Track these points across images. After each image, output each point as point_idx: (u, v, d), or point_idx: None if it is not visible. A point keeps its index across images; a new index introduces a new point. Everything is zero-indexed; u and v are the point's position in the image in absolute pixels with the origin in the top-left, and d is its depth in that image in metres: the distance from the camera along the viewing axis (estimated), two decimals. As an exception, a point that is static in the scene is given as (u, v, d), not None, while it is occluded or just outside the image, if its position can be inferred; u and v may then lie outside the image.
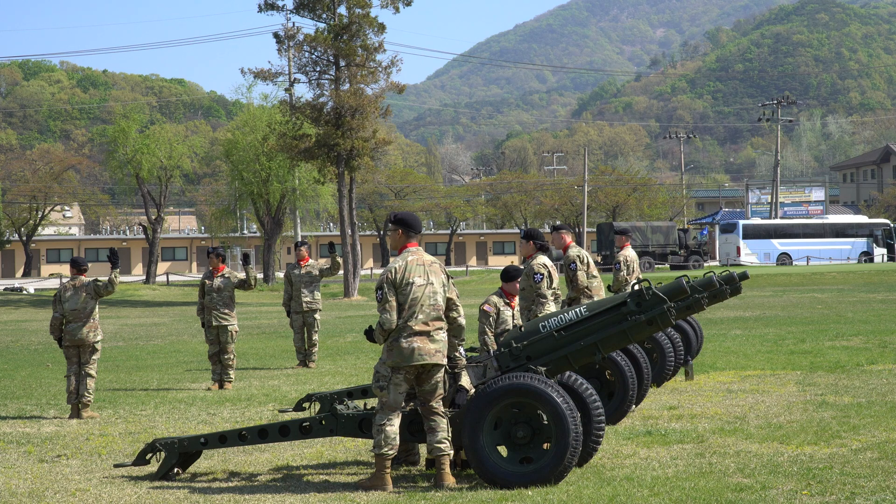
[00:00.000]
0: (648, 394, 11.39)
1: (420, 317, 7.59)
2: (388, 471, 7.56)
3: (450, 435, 7.59)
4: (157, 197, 57.26)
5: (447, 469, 7.56)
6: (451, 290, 7.86)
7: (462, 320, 7.95)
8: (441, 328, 7.68)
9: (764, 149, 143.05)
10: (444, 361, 7.68)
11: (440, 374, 7.65)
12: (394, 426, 7.58)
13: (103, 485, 7.99)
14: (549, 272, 10.86)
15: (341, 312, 33.12)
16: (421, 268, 7.71)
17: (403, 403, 7.75)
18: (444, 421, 7.59)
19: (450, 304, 7.85)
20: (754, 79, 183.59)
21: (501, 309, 10.55)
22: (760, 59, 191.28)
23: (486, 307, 10.51)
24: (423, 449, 8.51)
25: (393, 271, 7.66)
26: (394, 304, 7.58)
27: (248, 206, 56.62)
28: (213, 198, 72.72)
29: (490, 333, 10.38)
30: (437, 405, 7.61)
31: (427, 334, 7.59)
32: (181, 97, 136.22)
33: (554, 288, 10.93)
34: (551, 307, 10.75)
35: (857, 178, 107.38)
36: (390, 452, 7.54)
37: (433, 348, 7.59)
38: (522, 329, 8.07)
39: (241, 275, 14.30)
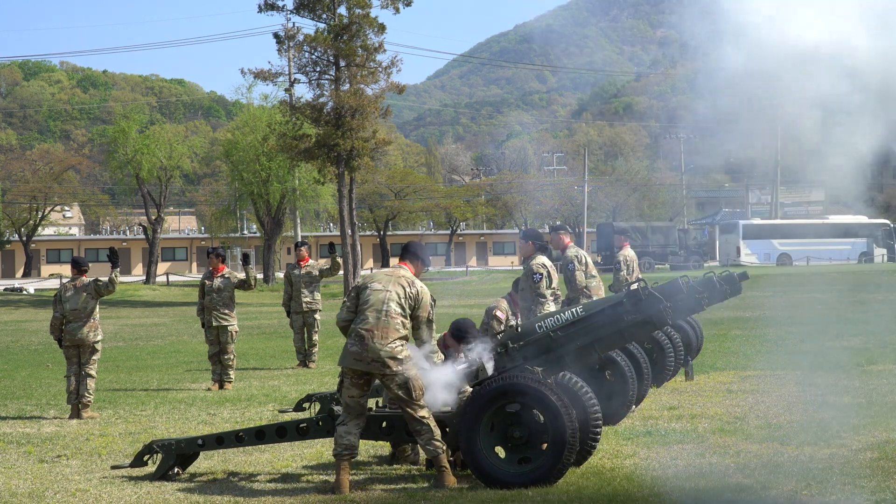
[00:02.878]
0: (648, 394, 11.39)
1: (369, 320, 7.59)
2: (344, 472, 7.52)
3: (438, 434, 7.55)
4: (157, 197, 57.24)
5: (447, 468, 7.54)
6: (422, 311, 7.74)
7: (420, 340, 7.87)
8: (388, 336, 7.54)
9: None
10: (389, 371, 7.51)
11: (398, 381, 7.53)
12: (346, 426, 7.58)
13: (103, 485, 7.99)
14: (548, 272, 10.89)
15: (341, 312, 33.10)
16: (387, 277, 7.80)
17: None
18: (427, 423, 7.54)
19: (414, 325, 7.79)
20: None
21: (510, 317, 10.69)
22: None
23: (498, 313, 10.58)
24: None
25: (362, 277, 7.96)
26: (350, 304, 7.75)
27: (248, 206, 56.63)
28: (213, 198, 72.65)
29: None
30: (412, 410, 7.55)
31: (367, 340, 7.54)
32: (181, 97, 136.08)
33: (553, 288, 10.95)
34: (551, 307, 10.76)
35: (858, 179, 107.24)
36: (344, 454, 7.53)
37: (371, 356, 7.52)
38: (518, 329, 8.07)
39: (241, 275, 14.29)
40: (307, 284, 16.62)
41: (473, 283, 53.56)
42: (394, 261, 8.48)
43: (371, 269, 71.68)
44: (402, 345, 7.59)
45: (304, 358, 16.66)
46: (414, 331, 7.83)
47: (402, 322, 7.62)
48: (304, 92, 46.69)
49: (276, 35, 43.80)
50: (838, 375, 13.24)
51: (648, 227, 60.73)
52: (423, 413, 7.55)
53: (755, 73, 8.87)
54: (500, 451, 7.58)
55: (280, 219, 53.58)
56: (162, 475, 8.13)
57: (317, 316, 16.73)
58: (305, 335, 16.70)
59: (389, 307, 7.60)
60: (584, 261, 11.88)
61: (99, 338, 12.02)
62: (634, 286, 7.80)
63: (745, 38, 8.47)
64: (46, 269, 76.83)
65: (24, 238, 73.41)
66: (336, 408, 8.14)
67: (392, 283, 7.72)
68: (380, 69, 41.85)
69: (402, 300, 7.66)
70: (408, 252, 8.10)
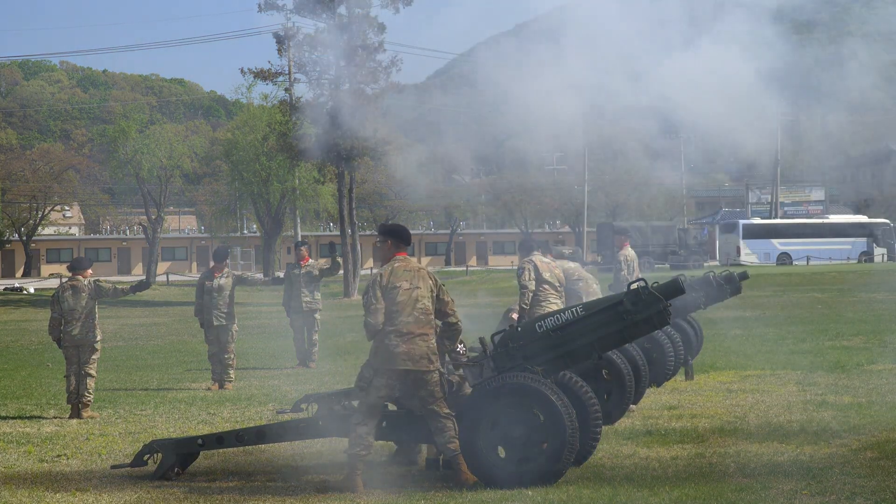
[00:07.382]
0: (648, 394, 11.39)
1: (407, 320, 7.57)
2: (360, 472, 7.54)
3: (457, 433, 7.56)
4: (157, 197, 57.29)
5: (464, 468, 7.53)
6: (445, 294, 7.81)
7: (453, 320, 7.86)
8: (428, 333, 7.62)
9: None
10: (433, 367, 7.59)
11: (435, 378, 7.61)
12: (367, 426, 7.57)
13: (103, 485, 7.99)
14: (534, 265, 11.01)
15: (341, 312, 33.10)
16: (408, 273, 7.70)
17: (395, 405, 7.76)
18: (450, 422, 7.55)
19: (445, 309, 7.82)
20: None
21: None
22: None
23: (514, 315, 10.80)
24: (423, 448, 8.50)
25: (380, 276, 7.68)
26: (380, 306, 7.55)
27: (249, 206, 56.69)
28: (213, 198, 72.66)
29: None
30: (438, 408, 7.57)
31: (412, 339, 7.56)
32: (181, 97, 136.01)
33: (548, 282, 11.07)
34: (553, 302, 10.84)
35: (857, 178, 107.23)
36: (363, 453, 7.54)
37: (418, 353, 7.55)
38: (518, 329, 8.07)
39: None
40: (307, 284, 16.62)
41: (473, 282, 53.56)
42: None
43: (371, 269, 71.71)
44: (434, 342, 7.64)
45: (304, 358, 16.65)
46: (445, 318, 7.81)
47: (432, 318, 7.68)
48: (304, 92, 46.61)
49: (276, 35, 43.85)
50: (838, 375, 13.25)
51: (648, 226, 60.71)
52: (448, 410, 7.58)
53: None
54: (501, 451, 7.58)
55: (280, 218, 53.60)
56: (162, 475, 8.13)
57: (317, 316, 16.73)
58: (305, 335, 16.70)
59: (425, 304, 7.63)
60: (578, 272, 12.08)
61: (98, 338, 12.02)
62: (634, 286, 7.80)
63: None
64: (46, 269, 76.78)
65: (24, 238, 73.40)
66: (337, 408, 8.13)
67: (419, 280, 7.69)
68: (380, 69, 41.87)
69: (431, 292, 7.69)
70: (395, 237, 7.89)
